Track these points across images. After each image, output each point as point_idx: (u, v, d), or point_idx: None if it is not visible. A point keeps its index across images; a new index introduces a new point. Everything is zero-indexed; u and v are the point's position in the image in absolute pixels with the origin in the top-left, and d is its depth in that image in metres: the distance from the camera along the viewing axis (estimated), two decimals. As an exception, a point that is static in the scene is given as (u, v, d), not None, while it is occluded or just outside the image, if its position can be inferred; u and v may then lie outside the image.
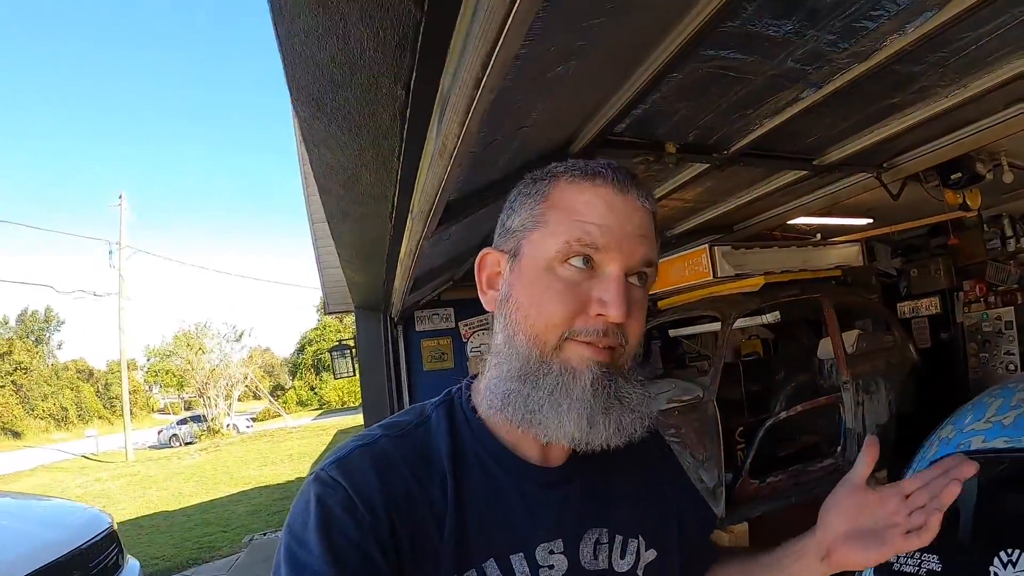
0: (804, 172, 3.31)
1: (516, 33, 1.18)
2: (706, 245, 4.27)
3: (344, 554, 0.68)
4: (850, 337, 4.91)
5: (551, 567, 0.79)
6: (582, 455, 0.82)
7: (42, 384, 37.33)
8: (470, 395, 0.87)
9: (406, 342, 6.87)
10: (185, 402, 43.08)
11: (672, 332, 5.79)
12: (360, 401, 8.54)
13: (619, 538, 0.86)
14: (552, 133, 2.39)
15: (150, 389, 46.99)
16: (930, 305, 7.86)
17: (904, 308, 8.09)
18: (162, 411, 46.06)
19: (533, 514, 0.80)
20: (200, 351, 34.91)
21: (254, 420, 34.47)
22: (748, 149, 2.82)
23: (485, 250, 0.86)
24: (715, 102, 2.33)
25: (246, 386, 37.95)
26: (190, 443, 27.51)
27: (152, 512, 11.66)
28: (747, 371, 5.25)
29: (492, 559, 0.76)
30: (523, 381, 0.76)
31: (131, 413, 31.77)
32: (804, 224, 5.58)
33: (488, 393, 0.80)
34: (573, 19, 1.52)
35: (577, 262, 0.75)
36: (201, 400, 34.10)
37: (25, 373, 36.14)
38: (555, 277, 0.76)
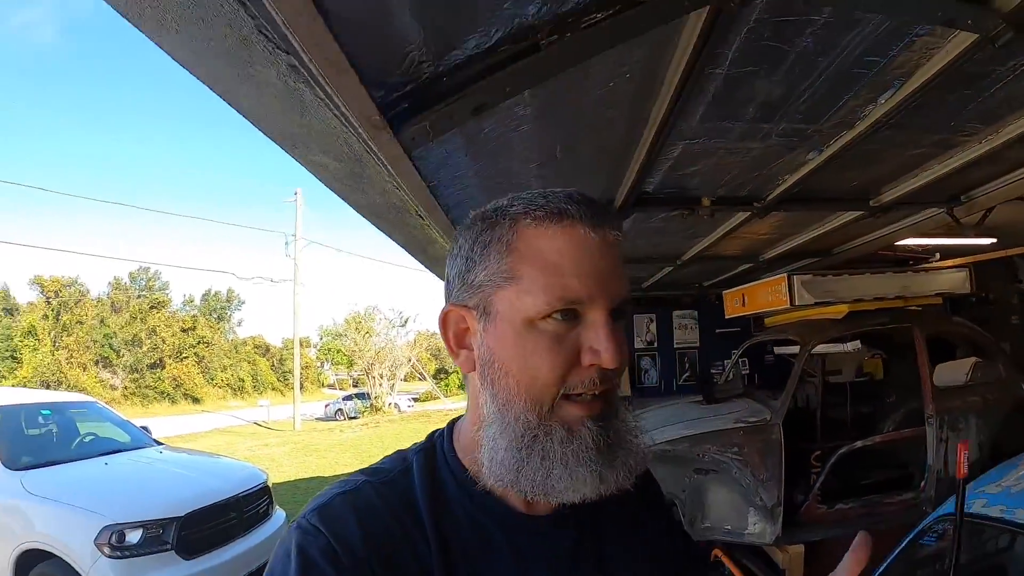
0: (860, 212, 3.33)
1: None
2: (785, 274, 4.35)
3: None
4: (962, 367, 4.68)
5: None
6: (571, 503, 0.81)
7: (222, 357, 41.99)
8: (452, 443, 0.84)
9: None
10: (353, 379, 46.47)
11: (777, 350, 5.82)
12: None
13: None
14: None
15: (321, 366, 51.39)
16: None
17: None
18: (331, 387, 50.04)
19: (524, 565, 0.77)
20: (367, 334, 37.83)
21: (416, 400, 36.64)
22: (785, 196, 2.93)
23: (446, 308, 0.81)
24: (726, 167, 2.54)
25: (411, 368, 40.40)
26: (353, 418, 29.95)
27: (309, 476, 13.14)
28: (855, 392, 5.21)
29: None
30: (527, 450, 0.73)
31: (301, 387, 35.26)
32: (917, 245, 5.39)
33: (490, 465, 0.75)
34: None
35: (559, 316, 0.71)
36: (367, 379, 36.97)
37: (207, 347, 40.78)
38: (540, 334, 0.72)
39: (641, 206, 2.84)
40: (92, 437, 5.80)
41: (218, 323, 44.91)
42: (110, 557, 4.00)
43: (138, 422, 6.67)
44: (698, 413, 4.51)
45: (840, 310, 4.45)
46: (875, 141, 2.31)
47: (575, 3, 1.33)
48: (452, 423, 0.88)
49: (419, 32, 1.33)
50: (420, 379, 46.46)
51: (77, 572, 4.00)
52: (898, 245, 5.35)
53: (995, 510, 2.03)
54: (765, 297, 4.67)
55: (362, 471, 0.81)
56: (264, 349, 47.67)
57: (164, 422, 21.75)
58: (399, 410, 32.94)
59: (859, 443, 4.23)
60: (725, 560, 4.07)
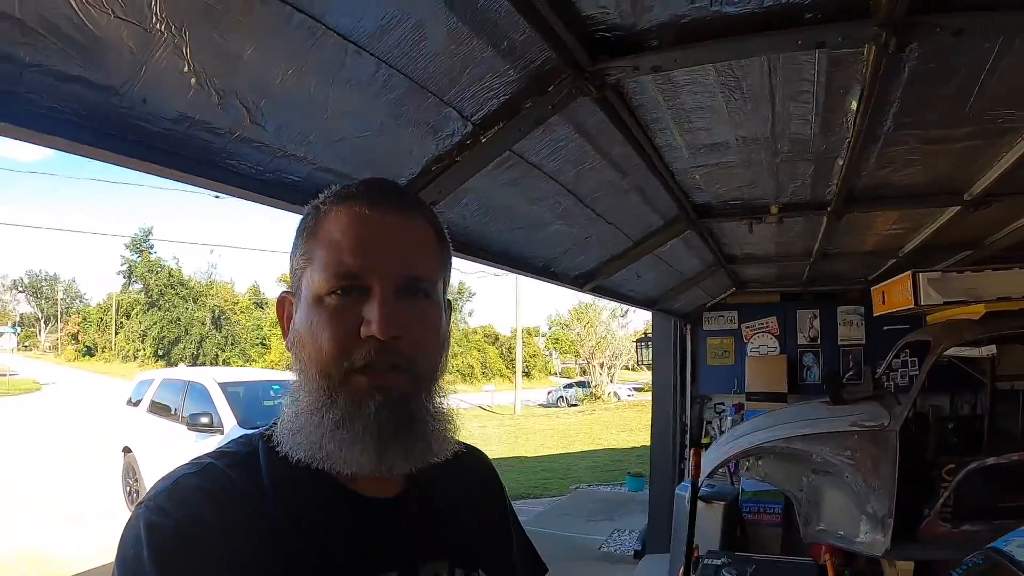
0: (957, 208, 3.08)
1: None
2: (910, 272, 4.21)
3: None
4: None
5: None
6: (418, 485, 0.83)
7: (453, 344, 45.40)
8: None
9: (693, 339, 7.63)
10: (580, 368, 48.04)
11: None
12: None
13: (459, 571, 0.83)
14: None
15: (549, 354, 53.75)
16: None
17: None
18: (558, 374, 52.16)
19: (366, 547, 0.78)
20: (589, 325, 39.14)
21: (637, 390, 36.97)
22: (856, 196, 2.92)
23: (281, 294, 0.86)
24: (759, 176, 2.68)
25: (632, 358, 40.97)
26: (573, 405, 31.35)
27: (514, 455, 14.38)
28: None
29: None
30: (310, 415, 0.75)
31: (530, 374, 37.44)
32: None
33: (281, 428, 0.78)
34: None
35: (340, 292, 0.75)
36: (589, 368, 38.28)
37: None
38: (323, 309, 0.75)
39: (709, 217, 3.16)
40: None
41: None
42: None
43: None
44: (820, 413, 4.38)
45: (978, 310, 4.08)
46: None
47: None
48: None
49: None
50: (647, 368, 46.37)
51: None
52: None
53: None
54: (899, 295, 4.49)
55: (208, 454, 0.79)
56: (493, 338, 50.91)
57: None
58: (618, 398, 33.61)
59: (991, 460, 3.87)
60: (829, 567, 4.07)
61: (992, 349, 4.30)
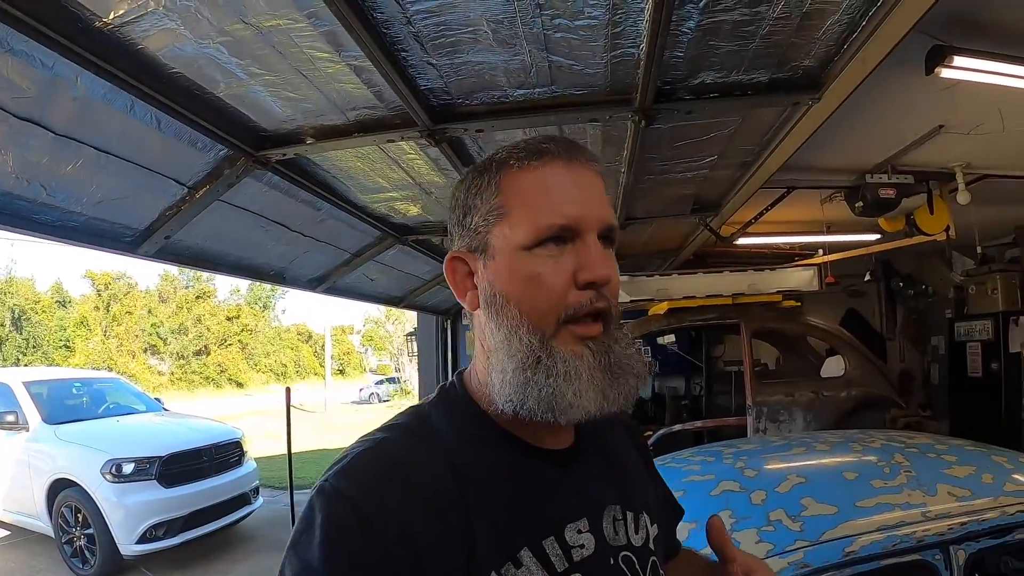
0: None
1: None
2: None
3: None
4: (834, 364, 5.31)
5: (582, 546, 0.78)
6: (586, 435, 0.88)
7: (266, 344, 44.07)
8: (465, 389, 0.86)
9: (454, 333, 8.78)
10: (395, 365, 48.57)
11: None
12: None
13: (630, 514, 0.86)
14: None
15: (365, 351, 53.62)
16: (983, 329, 7.24)
17: (960, 329, 7.64)
18: (374, 371, 52.25)
19: (556, 497, 0.80)
20: (398, 322, 39.90)
21: (447, 383, 37.89)
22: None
23: (451, 254, 0.86)
24: None
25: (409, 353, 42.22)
26: (385, 400, 31.93)
27: (317, 449, 14.87)
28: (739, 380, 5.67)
29: (525, 548, 0.74)
30: (532, 370, 0.75)
31: (344, 372, 37.45)
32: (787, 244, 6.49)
33: (501, 387, 0.77)
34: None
35: (550, 244, 0.76)
36: (400, 364, 39.00)
37: (251, 334, 42.99)
38: (534, 262, 0.76)
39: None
40: (114, 404, 7.70)
41: (263, 311, 46.42)
42: (111, 483, 5.79)
43: (185, 405, 8.56)
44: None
45: (662, 307, 5.08)
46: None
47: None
48: (459, 374, 0.90)
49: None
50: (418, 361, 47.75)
51: (89, 494, 5.79)
52: (784, 243, 6.35)
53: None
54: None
55: (380, 428, 0.81)
56: (307, 336, 49.83)
57: (207, 405, 24.02)
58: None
59: (676, 427, 4.92)
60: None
61: (671, 338, 5.59)
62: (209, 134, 2.35)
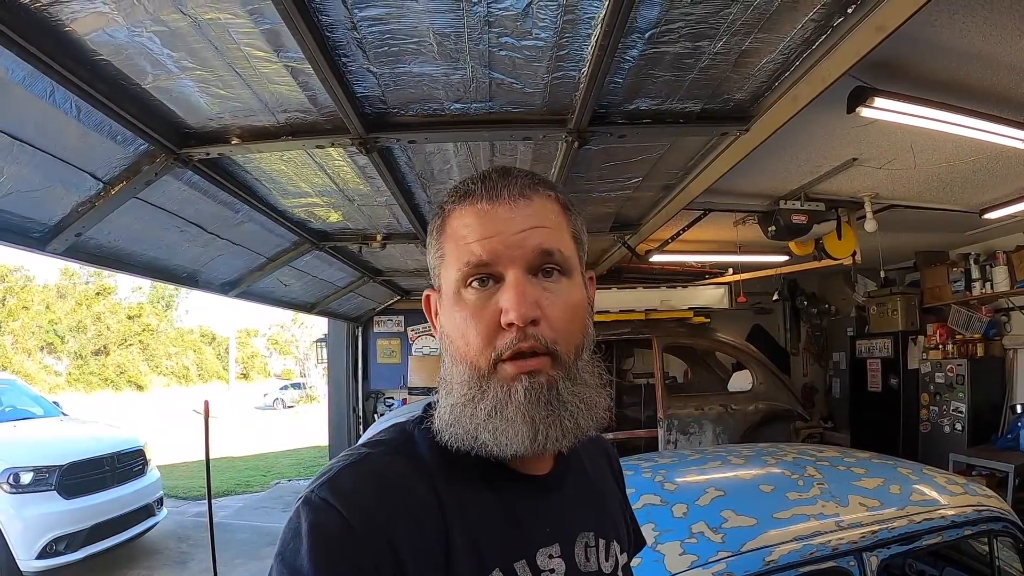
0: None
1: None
2: None
3: None
4: (742, 378, 5.46)
5: (551, 571, 0.79)
6: (566, 459, 0.89)
7: (167, 345, 41.94)
8: None
9: (364, 340, 8.65)
10: (300, 370, 47.23)
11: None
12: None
13: (603, 541, 0.88)
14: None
15: (269, 355, 51.93)
16: (883, 347, 7.70)
17: (861, 346, 8.15)
18: (279, 376, 50.79)
19: (530, 522, 0.81)
20: (303, 326, 38.95)
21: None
22: None
23: (426, 291, 0.90)
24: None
25: (317, 359, 41.43)
26: (290, 407, 31.03)
27: (222, 456, 14.34)
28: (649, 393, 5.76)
29: (497, 569, 0.75)
30: (465, 405, 0.77)
31: (248, 376, 36.04)
32: (699, 263, 6.59)
33: (439, 418, 0.80)
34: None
35: (476, 284, 0.78)
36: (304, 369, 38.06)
37: (152, 334, 40.87)
38: (464, 303, 0.79)
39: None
40: (10, 408, 7.12)
41: (165, 311, 44.57)
42: (8, 493, 5.33)
43: (83, 408, 7.98)
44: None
45: None
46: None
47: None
48: None
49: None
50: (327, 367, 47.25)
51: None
52: (695, 262, 6.49)
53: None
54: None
55: (364, 444, 0.82)
56: (210, 338, 47.95)
57: (106, 408, 22.63)
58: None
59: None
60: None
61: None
62: (131, 127, 2.23)
